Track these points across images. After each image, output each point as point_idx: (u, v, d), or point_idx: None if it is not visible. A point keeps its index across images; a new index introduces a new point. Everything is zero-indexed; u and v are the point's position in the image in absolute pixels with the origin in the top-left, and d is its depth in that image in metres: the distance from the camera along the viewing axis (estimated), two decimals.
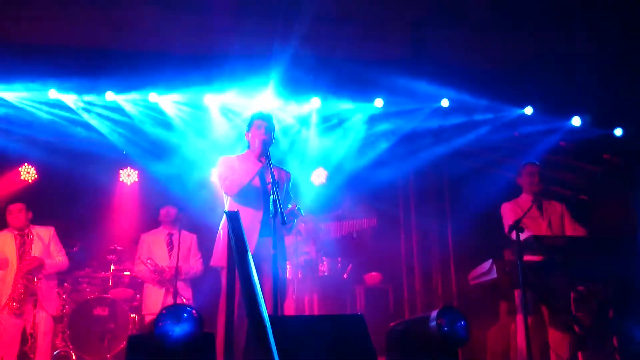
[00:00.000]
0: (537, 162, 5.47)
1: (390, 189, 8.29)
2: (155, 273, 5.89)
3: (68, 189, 7.81)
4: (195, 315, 3.40)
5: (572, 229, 5.16)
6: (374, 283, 7.46)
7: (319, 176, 8.20)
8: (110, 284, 6.95)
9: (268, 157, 4.41)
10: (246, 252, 2.98)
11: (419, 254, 8.49)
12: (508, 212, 5.22)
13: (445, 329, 3.81)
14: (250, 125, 4.76)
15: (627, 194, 6.90)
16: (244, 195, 4.47)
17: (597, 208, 6.70)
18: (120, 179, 8.41)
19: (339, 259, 7.27)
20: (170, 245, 5.93)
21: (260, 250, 4.34)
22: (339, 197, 7.53)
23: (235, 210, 3.53)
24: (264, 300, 4.36)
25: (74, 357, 4.96)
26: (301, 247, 6.86)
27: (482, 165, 8.11)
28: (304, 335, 3.02)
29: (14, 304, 5.29)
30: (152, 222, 6.87)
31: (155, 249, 6.05)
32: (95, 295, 6.72)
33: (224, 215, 4.63)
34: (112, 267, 7.02)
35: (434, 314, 3.89)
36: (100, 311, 6.53)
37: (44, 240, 5.61)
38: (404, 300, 8.23)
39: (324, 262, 7.17)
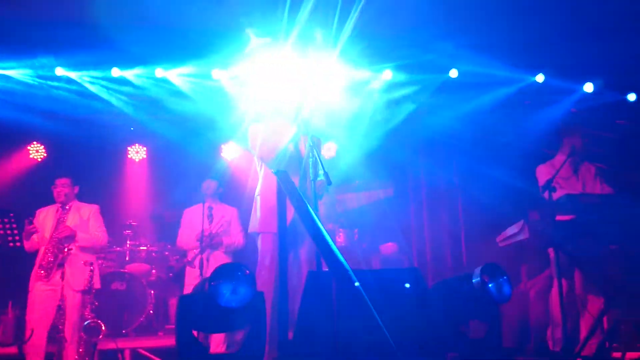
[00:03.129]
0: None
1: (401, 162, 8.29)
2: (199, 241, 5.89)
3: (77, 166, 7.68)
4: (248, 274, 3.40)
5: (603, 190, 5.22)
6: (390, 253, 7.49)
7: (329, 149, 8.19)
8: (127, 258, 6.92)
9: (303, 121, 4.37)
10: (307, 206, 2.96)
11: (428, 224, 8.54)
12: (544, 175, 5.23)
13: (490, 285, 3.83)
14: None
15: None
16: (279, 161, 4.43)
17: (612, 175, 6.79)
18: (129, 156, 8.35)
19: (356, 230, 7.28)
20: (210, 217, 5.93)
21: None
22: (355, 168, 7.51)
23: (283, 171, 3.49)
24: (302, 265, 4.42)
25: (103, 328, 4.92)
26: (323, 219, 6.84)
27: (490, 135, 8.13)
28: (364, 287, 3.00)
29: (42, 271, 5.27)
30: (168, 196, 6.86)
31: (197, 222, 6.05)
32: (112, 270, 6.71)
33: (259, 182, 4.62)
34: (128, 243, 6.98)
35: (477, 270, 3.90)
36: (118, 286, 6.54)
37: (84, 215, 5.59)
38: None
39: (341, 234, 7.18)
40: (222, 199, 6.34)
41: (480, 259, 7.23)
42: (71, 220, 5.51)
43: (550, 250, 5.00)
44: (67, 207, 5.59)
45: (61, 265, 5.29)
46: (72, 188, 5.68)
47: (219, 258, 5.89)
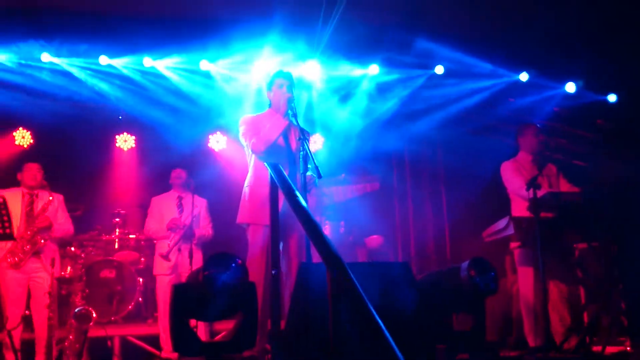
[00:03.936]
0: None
1: (387, 155, 8.40)
2: (170, 230, 5.86)
3: (64, 154, 7.70)
4: (240, 263, 3.47)
5: (567, 188, 5.35)
6: (375, 246, 7.59)
7: (315, 142, 8.28)
8: (116, 247, 6.95)
9: (295, 115, 4.44)
10: (299, 198, 3.03)
11: (413, 219, 8.68)
12: (512, 171, 5.35)
13: (477, 279, 3.94)
14: (271, 85, 4.77)
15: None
16: (269, 153, 4.49)
17: (591, 173, 6.94)
18: (117, 145, 8.34)
19: (342, 223, 7.37)
20: (180, 208, 5.90)
21: (288, 207, 4.37)
22: (342, 162, 7.60)
23: (275, 162, 3.55)
24: (292, 256, 4.49)
25: (94, 315, 4.96)
26: (312, 211, 6.90)
27: (476, 132, 8.25)
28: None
29: (15, 259, 5.22)
30: (156, 186, 6.87)
31: (166, 211, 5.99)
32: (101, 258, 6.73)
33: (249, 173, 4.67)
34: (117, 231, 7.01)
35: (465, 264, 4.01)
36: (107, 273, 6.58)
37: (53, 204, 5.52)
38: None
39: (327, 226, 7.26)
40: (193, 189, 6.27)
41: (464, 253, 7.41)
42: (44, 209, 5.44)
43: (516, 249, 5.14)
44: (35, 194, 5.48)
45: (36, 253, 5.26)
46: (43, 175, 5.58)
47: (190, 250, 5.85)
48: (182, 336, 3.37)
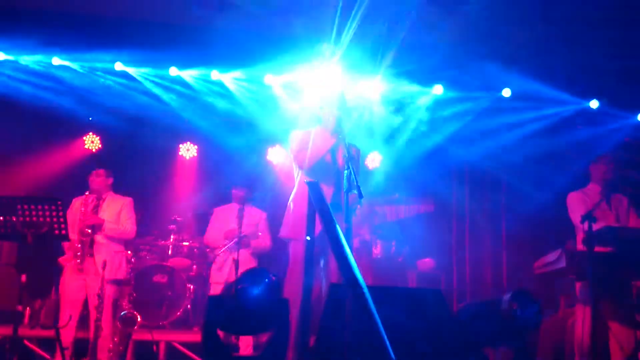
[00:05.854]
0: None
1: (446, 178, 8.26)
2: (227, 238, 6.04)
3: (130, 159, 8.01)
4: (274, 280, 3.48)
5: (636, 223, 5.07)
6: (426, 269, 7.46)
7: (373, 160, 8.25)
8: (169, 252, 7.12)
9: (342, 133, 4.44)
10: (333, 220, 3.02)
11: (470, 244, 8.47)
12: (577, 202, 5.09)
13: (518, 312, 3.80)
14: (323, 102, 4.79)
15: None
16: (316, 170, 4.51)
17: None
18: (180, 153, 8.58)
19: (393, 243, 7.29)
20: (240, 219, 6.05)
21: None
22: (397, 181, 7.54)
23: (316, 181, 3.55)
24: (332, 273, 4.47)
25: (139, 319, 5.08)
26: (355, 229, 6.88)
27: (540, 158, 8.01)
28: (384, 304, 3.03)
29: (78, 261, 5.37)
30: (213, 195, 7.02)
31: (226, 222, 6.21)
32: (155, 263, 6.91)
33: (295, 188, 4.70)
34: (171, 237, 7.18)
35: (507, 296, 3.88)
36: (160, 278, 6.72)
37: (116, 206, 5.67)
38: (452, 290, 8.20)
39: (378, 245, 7.20)
40: (253, 202, 6.44)
41: (521, 283, 7.18)
42: (104, 210, 5.59)
43: (578, 282, 4.91)
44: (102, 198, 5.65)
45: (92, 254, 5.38)
46: (107, 179, 5.73)
47: (245, 259, 5.92)
48: (212, 348, 3.41)
